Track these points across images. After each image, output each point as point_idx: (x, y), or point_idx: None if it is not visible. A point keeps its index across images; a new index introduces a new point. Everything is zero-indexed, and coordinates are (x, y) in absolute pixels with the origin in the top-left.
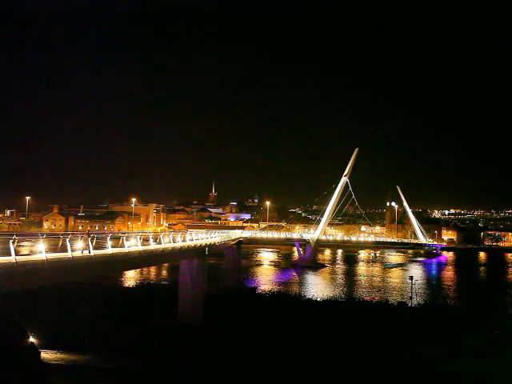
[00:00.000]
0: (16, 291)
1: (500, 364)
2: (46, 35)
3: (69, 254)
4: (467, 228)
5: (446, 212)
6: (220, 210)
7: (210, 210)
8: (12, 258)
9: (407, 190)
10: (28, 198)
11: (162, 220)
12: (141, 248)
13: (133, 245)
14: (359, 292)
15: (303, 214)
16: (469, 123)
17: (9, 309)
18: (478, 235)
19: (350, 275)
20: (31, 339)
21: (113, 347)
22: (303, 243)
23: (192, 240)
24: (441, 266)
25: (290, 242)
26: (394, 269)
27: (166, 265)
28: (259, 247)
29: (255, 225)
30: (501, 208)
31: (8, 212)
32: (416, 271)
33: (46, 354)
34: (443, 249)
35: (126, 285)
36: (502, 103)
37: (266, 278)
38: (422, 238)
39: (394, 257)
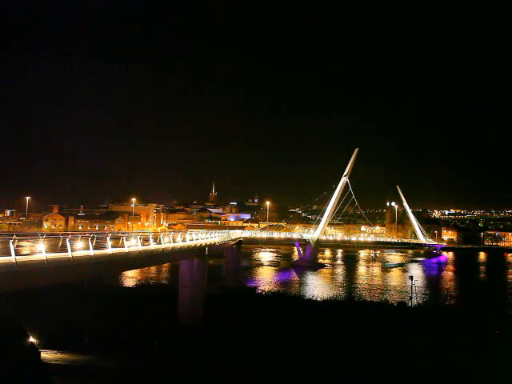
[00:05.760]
0: (16, 291)
1: (500, 364)
2: (46, 35)
3: (69, 254)
4: (467, 228)
5: (446, 212)
6: (220, 210)
7: (210, 209)
8: (12, 258)
9: (407, 190)
10: (28, 198)
11: (161, 220)
12: (141, 248)
13: (133, 245)
14: (359, 292)
15: (303, 214)
16: (469, 123)
17: (9, 309)
18: (477, 235)
19: (350, 275)
20: (31, 339)
21: (113, 347)
22: (303, 243)
23: (192, 240)
24: (441, 265)
25: (290, 242)
26: (394, 269)
27: (165, 265)
28: (259, 247)
29: (255, 225)
30: (501, 208)
31: (8, 212)
32: (416, 271)
33: (46, 354)
34: (443, 249)
35: (126, 285)
36: (502, 103)
37: (266, 278)
38: (422, 238)
39: (394, 257)
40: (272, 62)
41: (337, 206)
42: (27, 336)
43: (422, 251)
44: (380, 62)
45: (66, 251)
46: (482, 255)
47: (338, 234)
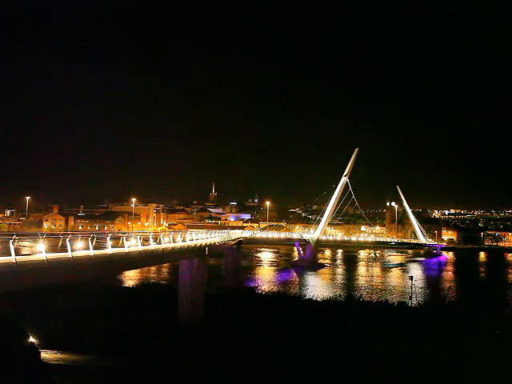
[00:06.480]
0: (16, 291)
1: (500, 364)
2: (46, 35)
3: (69, 254)
4: (467, 228)
5: (446, 212)
6: (220, 210)
7: (210, 210)
8: (12, 258)
9: (407, 190)
10: (28, 198)
11: (161, 220)
12: (141, 248)
13: (133, 245)
14: (359, 292)
15: (303, 214)
16: (469, 123)
17: (9, 309)
18: (477, 235)
19: (350, 275)
20: (31, 339)
21: (113, 347)
22: (303, 243)
23: (192, 240)
24: (441, 265)
25: (290, 242)
26: (393, 269)
27: (166, 265)
28: (259, 247)
29: (255, 225)
30: (501, 208)
31: (8, 212)
32: (416, 271)
33: (46, 354)
34: (443, 249)
35: (126, 285)
36: (501, 103)
37: (265, 278)
38: (422, 238)
39: (394, 257)
40: (272, 61)
41: (337, 205)
42: (27, 336)
43: (422, 251)
44: (380, 61)
45: (66, 251)
46: (482, 255)
47: (337, 234)
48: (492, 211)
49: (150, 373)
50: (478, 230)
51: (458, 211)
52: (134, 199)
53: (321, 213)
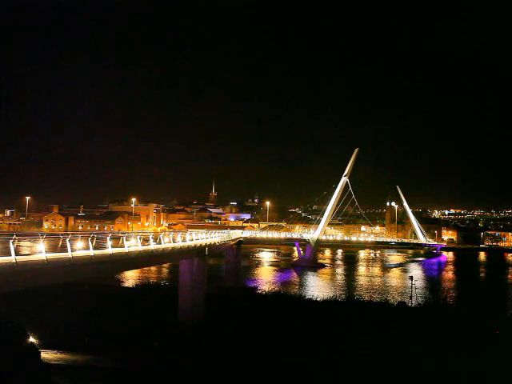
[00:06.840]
0: (16, 291)
1: (500, 364)
2: (48, 33)
3: (69, 254)
4: (467, 228)
5: (446, 212)
6: (220, 210)
7: (210, 209)
8: (12, 258)
9: (407, 190)
10: (28, 197)
11: (162, 220)
12: (141, 248)
13: (133, 245)
14: (359, 292)
15: (303, 214)
16: (469, 123)
17: (9, 309)
18: (477, 235)
19: (350, 275)
20: (31, 339)
21: (113, 347)
22: (303, 243)
23: (192, 240)
24: (441, 265)
25: (289, 242)
26: (393, 269)
27: (166, 265)
28: (259, 247)
29: (255, 225)
30: (501, 208)
31: (8, 212)
32: (416, 271)
33: (46, 354)
34: (443, 249)
35: (126, 285)
36: (501, 103)
37: (266, 278)
38: (422, 238)
39: (394, 257)
40: (272, 61)
41: (337, 205)
42: (27, 336)
43: (422, 251)
44: (380, 62)
45: (66, 251)
46: (482, 255)
47: (337, 234)
48: (492, 211)
49: (150, 373)
50: (478, 230)
51: (458, 211)
52: (134, 199)
53: (321, 213)
